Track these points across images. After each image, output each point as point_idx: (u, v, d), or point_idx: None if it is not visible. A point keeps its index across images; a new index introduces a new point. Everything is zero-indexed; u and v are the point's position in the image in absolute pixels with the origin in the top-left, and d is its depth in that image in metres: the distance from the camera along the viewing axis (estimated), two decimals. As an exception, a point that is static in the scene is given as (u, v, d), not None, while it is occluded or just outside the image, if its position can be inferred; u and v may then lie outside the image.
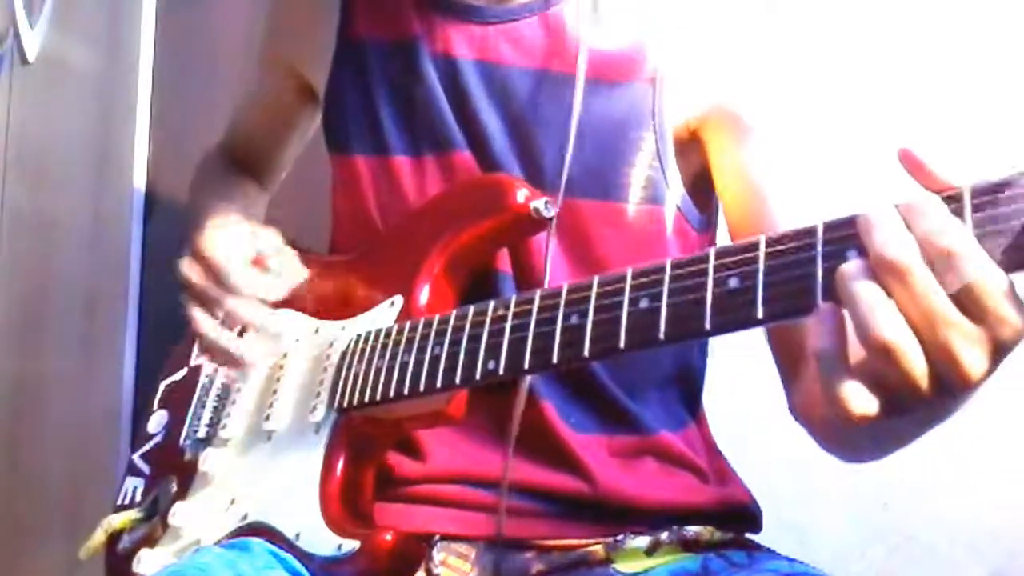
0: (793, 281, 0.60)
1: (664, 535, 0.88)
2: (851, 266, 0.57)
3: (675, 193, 0.93)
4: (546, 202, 0.86)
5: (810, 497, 1.31)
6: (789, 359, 0.87)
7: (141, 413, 1.12)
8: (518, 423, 0.87)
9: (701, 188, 0.96)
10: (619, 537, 0.88)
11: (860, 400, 0.58)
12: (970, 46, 1.31)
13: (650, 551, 0.87)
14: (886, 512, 1.30)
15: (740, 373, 1.17)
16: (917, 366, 0.56)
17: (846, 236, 0.58)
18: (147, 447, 1.06)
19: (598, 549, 0.88)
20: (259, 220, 1.09)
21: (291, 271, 0.98)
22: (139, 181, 1.75)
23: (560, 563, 0.88)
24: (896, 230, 0.56)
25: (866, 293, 0.56)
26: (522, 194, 0.87)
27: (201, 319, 0.95)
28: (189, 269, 0.97)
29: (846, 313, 0.58)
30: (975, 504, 1.26)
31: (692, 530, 0.89)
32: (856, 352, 0.58)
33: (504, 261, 0.92)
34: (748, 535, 0.92)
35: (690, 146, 0.94)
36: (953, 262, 0.55)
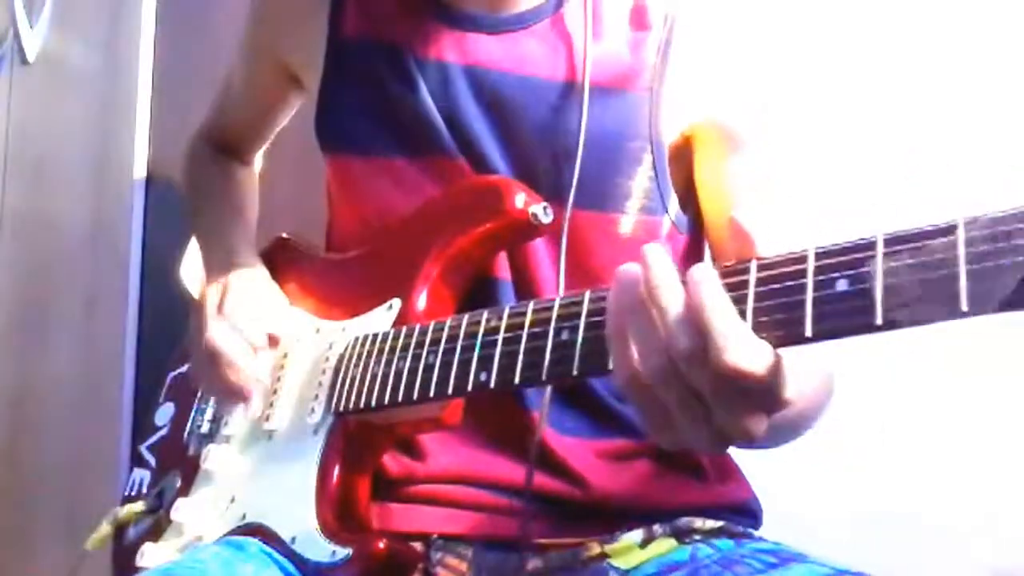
0: (783, 309, 0.57)
1: (657, 527, 0.88)
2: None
3: (671, 204, 0.93)
4: (544, 207, 0.86)
5: (809, 496, 1.31)
6: None
7: (144, 409, 1.12)
8: (540, 432, 0.87)
9: (689, 191, 0.96)
10: (614, 533, 0.88)
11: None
12: (970, 56, 1.31)
13: (644, 544, 0.88)
14: (886, 512, 1.30)
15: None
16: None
17: (837, 264, 0.56)
18: (153, 439, 1.07)
19: (593, 545, 0.88)
20: (255, 212, 1.14)
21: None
22: (139, 180, 1.75)
23: (556, 561, 0.88)
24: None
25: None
26: (520, 199, 0.86)
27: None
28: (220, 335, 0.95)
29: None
30: (975, 503, 1.26)
31: (684, 520, 0.89)
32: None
33: (503, 267, 0.91)
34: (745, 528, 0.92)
35: (683, 152, 0.94)
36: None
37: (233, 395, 0.94)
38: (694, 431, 0.59)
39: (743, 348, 0.56)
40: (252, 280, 1.01)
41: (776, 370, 0.57)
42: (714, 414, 0.58)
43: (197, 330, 0.98)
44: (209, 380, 0.97)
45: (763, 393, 0.57)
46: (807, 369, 0.69)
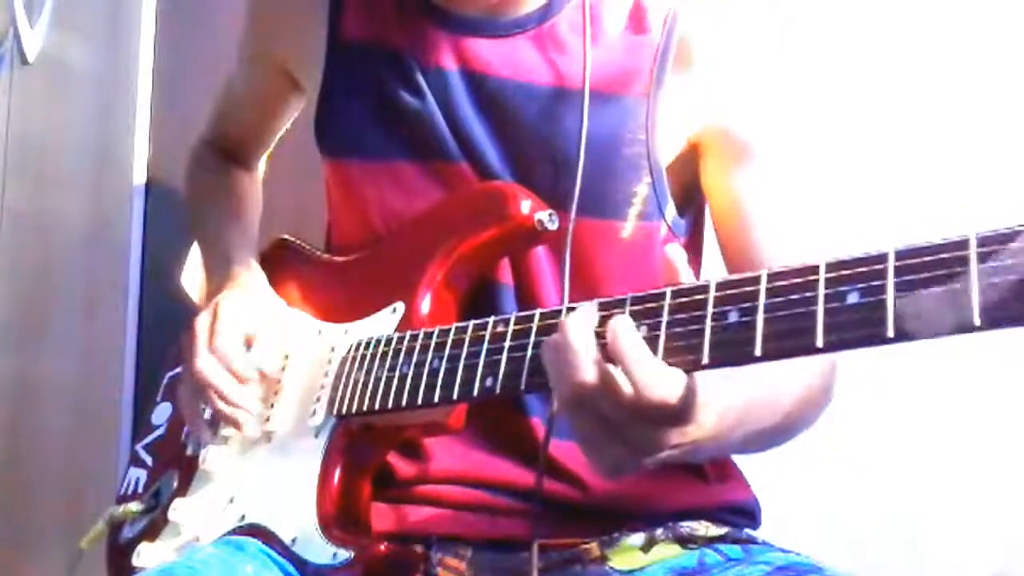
0: (794, 319, 0.58)
1: (659, 531, 0.88)
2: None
3: (669, 210, 0.93)
4: (550, 214, 0.86)
5: (809, 496, 1.31)
6: None
7: (143, 407, 1.12)
8: (548, 437, 0.87)
9: (687, 196, 0.95)
10: (614, 534, 0.88)
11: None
12: (970, 56, 1.31)
13: (645, 548, 0.88)
14: (886, 512, 1.30)
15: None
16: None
17: (848, 276, 0.57)
18: (150, 439, 1.07)
19: (593, 547, 0.88)
20: (255, 217, 1.14)
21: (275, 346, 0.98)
22: (139, 181, 1.75)
23: (556, 561, 0.88)
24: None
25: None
26: (527, 205, 0.87)
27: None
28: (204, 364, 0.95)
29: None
30: (975, 504, 1.26)
31: (687, 525, 0.89)
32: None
33: (506, 272, 0.92)
34: (747, 531, 0.92)
35: (684, 158, 0.93)
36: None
37: (226, 422, 0.94)
38: (616, 451, 0.65)
39: (658, 386, 0.61)
40: (248, 289, 1.01)
41: (686, 395, 0.63)
42: (630, 437, 0.64)
43: (186, 356, 0.98)
44: (194, 407, 0.97)
45: (674, 416, 0.63)
46: (739, 380, 0.71)
